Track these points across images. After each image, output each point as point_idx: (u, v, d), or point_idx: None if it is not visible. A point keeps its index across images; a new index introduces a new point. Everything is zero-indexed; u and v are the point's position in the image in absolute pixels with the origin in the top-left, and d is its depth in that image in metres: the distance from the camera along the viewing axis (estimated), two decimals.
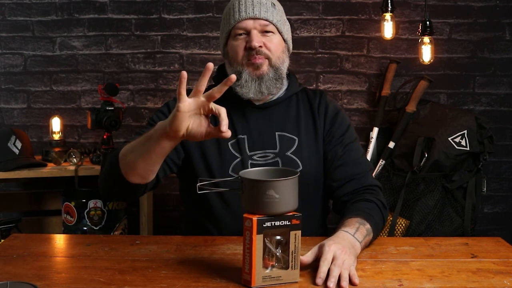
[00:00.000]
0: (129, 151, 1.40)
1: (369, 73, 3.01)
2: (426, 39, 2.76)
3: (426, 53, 2.78)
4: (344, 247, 1.29)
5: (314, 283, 1.22)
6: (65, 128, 2.91)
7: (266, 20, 1.60)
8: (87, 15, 2.96)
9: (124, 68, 2.99)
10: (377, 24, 2.93)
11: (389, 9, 2.79)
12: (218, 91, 1.24)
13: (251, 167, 1.56)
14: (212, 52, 2.97)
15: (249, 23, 1.59)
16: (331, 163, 1.64)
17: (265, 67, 1.60)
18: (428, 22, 2.75)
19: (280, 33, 1.63)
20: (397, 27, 2.89)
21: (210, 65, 1.21)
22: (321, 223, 1.72)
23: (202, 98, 1.24)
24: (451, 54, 3.00)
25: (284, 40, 1.65)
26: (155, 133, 1.31)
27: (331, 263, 1.24)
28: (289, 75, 1.70)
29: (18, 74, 2.99)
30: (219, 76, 1.71)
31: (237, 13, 1.60)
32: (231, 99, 1.61)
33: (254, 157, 1.61)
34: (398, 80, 2.95)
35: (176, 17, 2.97)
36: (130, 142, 1.44)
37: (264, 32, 1.60)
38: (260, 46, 1.58)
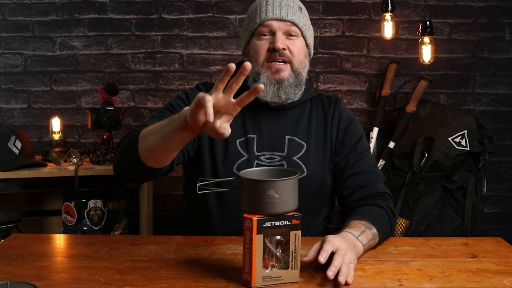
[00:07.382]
0: (150, 133, 1.32)
1: (369, 73, 3.01)
2: (426, 39, 2.76)
3: (426, 53, 2.77)
4: (347, 243, 1.29)
5: (314, 283, 1.21)
6: (65, 128, 2.91)
7: (292, 22, 1.59)
8: (87, 15, 2.96)
9: (124, 68, 2.99)
10: (377, 24, 2.93)
11: (389, 9, 2.79)
12: (248, 98, 1.16)
13: (256, 167, 1.56)
14: (212, 52, 2.97)
15: (275, 24, 1.58)
16: (343, 172, 1.63)
17: (286, 72, 1.58)
18: (428, 22, 2.75)
19: (304, 37, 1.62)
20: (397, 27, 2.89)
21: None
22: (322, 229, 1.70)
23: (233, 100, 1.16)
24: (451, 54, 3.00)
25: (307, 45, 1.64)
26: (178, 118, 1.22)
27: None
28: (307, 80, 1.67)
29: (18, 74, 2.99)
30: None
31: (263, 13, 1.59)
32: None
33: (261, 158, 1.60)
34: (398, 80, 2.95)
35: (176, 17, 2.97)
36: (148, 125, 1.38)
37: (289, 35, 1.59)
38: (284, 49, 1.57)
